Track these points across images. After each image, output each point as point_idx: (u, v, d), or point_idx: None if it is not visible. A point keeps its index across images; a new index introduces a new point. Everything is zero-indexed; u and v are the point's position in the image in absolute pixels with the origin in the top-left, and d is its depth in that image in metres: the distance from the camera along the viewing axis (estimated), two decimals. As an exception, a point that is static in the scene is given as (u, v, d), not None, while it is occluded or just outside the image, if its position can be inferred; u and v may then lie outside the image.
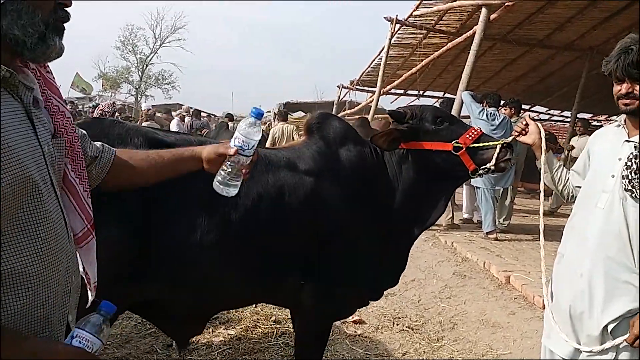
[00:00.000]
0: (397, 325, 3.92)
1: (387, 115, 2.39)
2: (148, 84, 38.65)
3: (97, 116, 6.97)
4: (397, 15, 9.24)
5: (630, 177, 1.83)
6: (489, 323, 3.87)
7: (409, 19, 9.22)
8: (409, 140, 2.22)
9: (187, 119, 14.11)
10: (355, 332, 3.79)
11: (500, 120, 6.02)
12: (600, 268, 1.90)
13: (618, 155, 1.91)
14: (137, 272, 1.84)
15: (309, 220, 2.09)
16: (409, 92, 13.79)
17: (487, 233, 6.15)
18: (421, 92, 13.95)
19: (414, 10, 8.78)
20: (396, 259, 2.39)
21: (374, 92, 11.16)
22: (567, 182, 2.20)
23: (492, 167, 2.14)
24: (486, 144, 2.15)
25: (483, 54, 9.94)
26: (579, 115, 11.07)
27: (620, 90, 1.87)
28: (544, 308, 2.16)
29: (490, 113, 6.07)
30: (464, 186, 7.09)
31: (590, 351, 1.90)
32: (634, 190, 1.83)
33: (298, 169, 2.12)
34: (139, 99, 35.93)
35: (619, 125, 2.00)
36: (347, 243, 2.19)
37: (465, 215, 7.28)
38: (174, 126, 12.61)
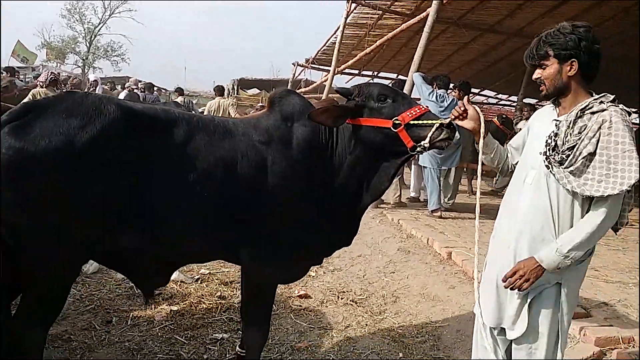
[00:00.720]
0: (342, 299, 4.01)
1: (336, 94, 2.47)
2: (96, 56, 37.00)
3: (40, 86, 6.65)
4: (353, -6, 9.23)
5: (547, 154, 1.97)
6: (429, 297, 4.01)
7: (365, -2, 9.21)
8: (355, 116, 2.31)
9: (136, 93, 13.59)
10: (300, 306, 3.84)
11: (449, 102, 6.16)
12: (525, 241, 2.02)
13: (546, 134, 2.02)
14: (123, 221, 2.04)
15: (257, 184, 2.24)
16: (364, 72, 13.87)
17: (432, 211, 6.33)
18: (376, 73, 14.08)
19: (370, -11, 8.76)
20: (347, 222, 2.52)
21: (329, 71, 11.13)
22: (505, 158, 2.31)
23: (427, 145, 2.20)
24: (424, 122, 2.21)
25: (436, 37, 10.09)
26: (525, 100, 11.51)
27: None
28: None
29: (440, 95, 6.19)
30: (412, 165, 7.25)
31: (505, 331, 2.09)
32: (549, 166, 1.96)
33: (252, 137, 2.30)
34: (86, 70, 34.40)
35: (552, 106, 2.12)
36: (292, 209, 2.32)
37: (413, 194, 7.46)
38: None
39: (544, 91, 2.05)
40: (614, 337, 3.06)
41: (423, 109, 2.24)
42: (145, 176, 2.05)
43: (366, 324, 3.58)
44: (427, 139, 2.17)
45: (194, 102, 13.78)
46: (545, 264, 1.92)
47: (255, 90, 20.72)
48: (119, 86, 15.75)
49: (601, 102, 1.93)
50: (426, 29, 6.38)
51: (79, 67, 35.52)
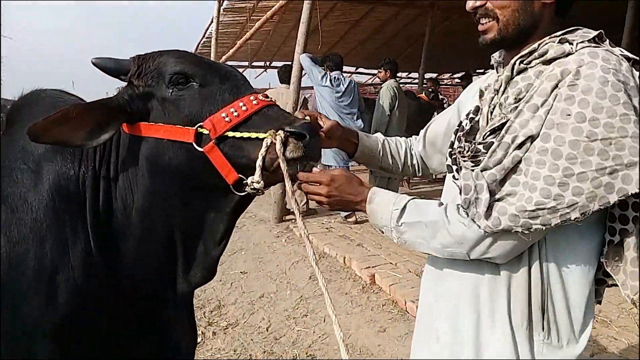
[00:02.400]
0: (237, 375, 2.87)
1: None
2: (-47, 77, 32.48)
3: None
4: (224, -26, 8.02)
5: (452, 146, 1.12)
6: (355, 349, 2.98)
7: (239, -22, 8.02)
8: (135, 119, 1.17)
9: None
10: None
11: (346, 85, 5.16)
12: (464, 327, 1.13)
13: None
14: None
15: None
16: (255, 63, 12.70)
17: (345, 217, 5.34)
18: (268, 63, 12.95)
19: (241, -34, 7.58)
20: (147, 331, 1.34)
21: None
22: (407, 158, 1.46)
23: (258, 182, 1.10)
24: (249, 134, 1.10)
25: (325, 17, 9.16)
26: (426, 75, 10.96)
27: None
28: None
29: (335, 77, 5.17)
30: (318, 165, 6.23)
31: None
32: (451, 168, 1.08)
33: None
34: (-57, 95, 30.07)
35: (497, 64, 1.16)
36: (27, 307, 1.17)
37: (323, 197, 6.44)
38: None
39: (490, 33, 1.05)
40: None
41: (255, 103, 1.13)
42: None
43: (272, 417, 2.48)
44: (258, 170, 1.09)
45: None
46: (370, 208, 1.15)
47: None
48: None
49: (562, 40, 0.97)
50: (306, 4, 5.29)
51: None
